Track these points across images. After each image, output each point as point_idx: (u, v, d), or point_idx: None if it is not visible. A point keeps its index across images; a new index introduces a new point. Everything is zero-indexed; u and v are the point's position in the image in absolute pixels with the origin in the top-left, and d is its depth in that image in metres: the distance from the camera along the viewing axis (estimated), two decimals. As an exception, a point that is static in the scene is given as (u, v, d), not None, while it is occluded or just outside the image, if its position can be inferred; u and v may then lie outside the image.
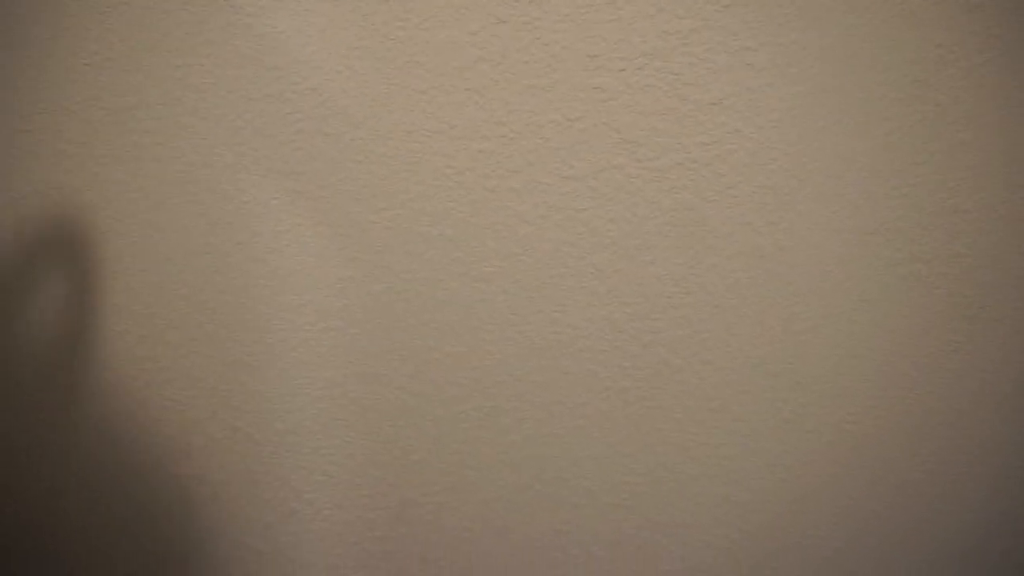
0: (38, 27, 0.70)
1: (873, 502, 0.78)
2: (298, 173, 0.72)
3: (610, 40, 0.66)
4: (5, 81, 0.72)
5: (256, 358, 0.79)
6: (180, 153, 0.73)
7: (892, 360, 0.74)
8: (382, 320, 0.77)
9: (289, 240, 0.74)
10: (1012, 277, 0.70)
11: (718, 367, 0.76)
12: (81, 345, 0.80)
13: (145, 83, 0.71)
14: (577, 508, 0.82)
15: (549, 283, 0.74)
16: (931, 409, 0.75)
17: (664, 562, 0.82)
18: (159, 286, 0.77)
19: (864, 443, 0.77)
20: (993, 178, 0.67)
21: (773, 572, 0.81)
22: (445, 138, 0.70)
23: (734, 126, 0.68)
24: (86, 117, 0.72)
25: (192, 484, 0.84)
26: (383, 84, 0.69)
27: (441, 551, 0.84)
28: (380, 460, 0.82)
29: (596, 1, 0.65)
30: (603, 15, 0.65)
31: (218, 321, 0.78)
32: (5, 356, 0.82)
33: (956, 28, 0.63)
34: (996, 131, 0.66)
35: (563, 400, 0.78)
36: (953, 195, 0.68)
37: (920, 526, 0.79)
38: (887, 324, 0.73)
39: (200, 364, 0.80)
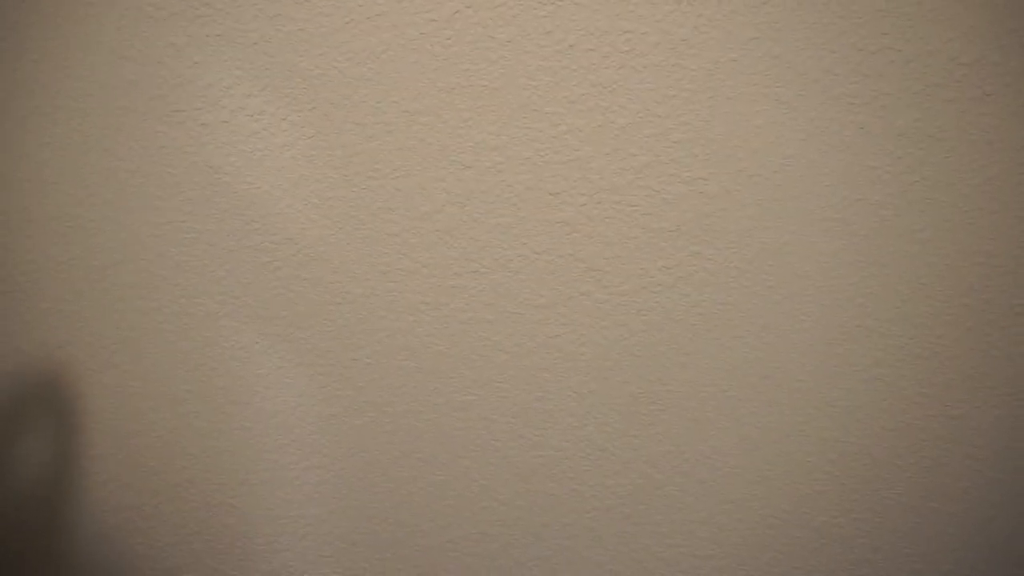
0: (19, 195, 0.68)
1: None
2: (278, 318, 0.69)
3: (570, 178, 0.66)
4: (-10, 244, 0.70)
5: (240, 500, 0.74)
6: (161, 304, 0.70)
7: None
8: (365, 454, 0.72)
9: (270, 382, 0.71)
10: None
11: (699, 479, 0.72)
12: (65, 495, 0.74)
13: (127, 240, 0.69)
14: (572, 631, 0.76)
15: (528, 408, 0.71)
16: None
17: None
18: (141, 434, 0.73)
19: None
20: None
21: None
22: (419, 276, 0.68)
23: (693, 249, 0.67)
24: (67, 276, 0.69)
25: (177, 635, 0.77)
26: (357, 230, 0.67)
27: None
28: (370, 594, 0.76)
29: (555, 143, 0.65)
30: (562, 156, 0.65)
31: (201, 465, 0.73)
32: (-14, 510, 0.76)
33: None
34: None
35: (550, 523, 0.74)
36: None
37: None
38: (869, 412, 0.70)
39: (183, 510, 0.74)
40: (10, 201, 0.69)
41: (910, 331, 0.68)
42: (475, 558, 0.74)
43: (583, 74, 0.63)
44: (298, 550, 0.75)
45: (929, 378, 0.69)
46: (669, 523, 0.73)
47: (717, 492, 0.72)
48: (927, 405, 0.69)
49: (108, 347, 0.71)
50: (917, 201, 0.65)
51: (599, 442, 0.71)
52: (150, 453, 0.73)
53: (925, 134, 0.63)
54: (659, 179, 0.65)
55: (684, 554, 0.73)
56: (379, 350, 0.70)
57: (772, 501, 0.72)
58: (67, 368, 0.72)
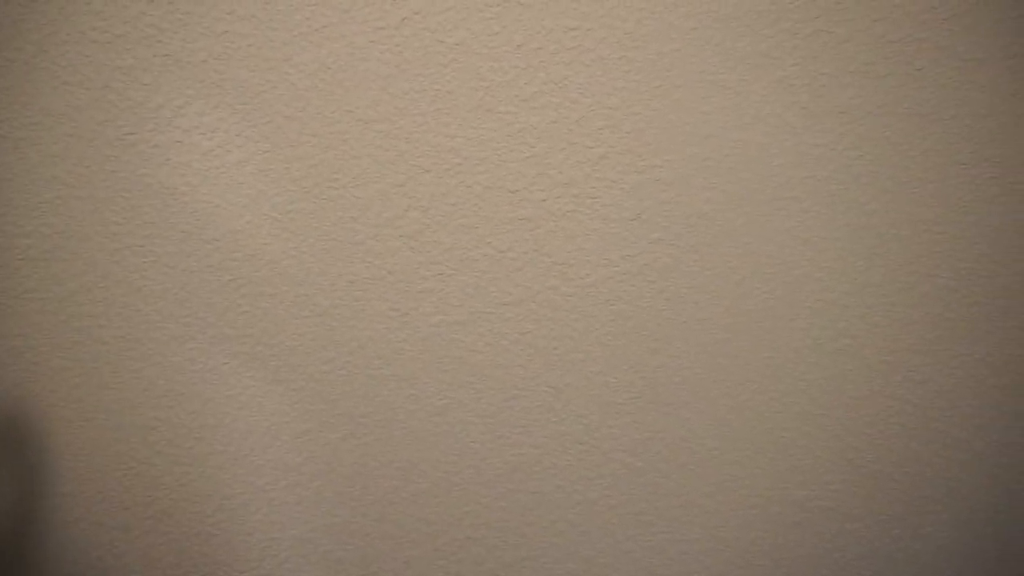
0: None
1: None
2: (245, 336, 0.67)
3: (528, 175, 0.66)
4: (-62, 284, 0.67)
5: (218, 527, 0.71)
6: (123, 332, 0.67)
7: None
8: (344, 468, 0.70)
9: (242, 403, 0.69)
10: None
11: (679, 464, 0.72)
12: (32, 539, 0.71)
13: (83, 269, 0.66)
14: (566, 629, 0.74)
15: (506, 407, 0.70)
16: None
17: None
18: (110, 468, 0.70)
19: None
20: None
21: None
22: (385, 283, 0.67)
23: (655, 236, 0.67)
24: (22, 310, 0.66)
25: (160, 675, 0.73)
26: (320, 241, 0.66)
27: None
28: (359, 612, 0.74)
29: (511, 142, 0.65)
30: (518, 154, 0.65)
31: (175, 495, 0.70)
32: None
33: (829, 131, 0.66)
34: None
35: (534, 521, 0.72)
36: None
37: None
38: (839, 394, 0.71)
39: (159, 543, 0.71)
40: (-43, 238, 0.66)
41: (868, 300, 0.69)
42: (463, 564, 0.73)
43: (533, 72, 0.63)
44: (283, 573, 0.72)
45: (891, 345, 0.70)
46: (653, 510, 0.72)
47: (697, 475, 0.72)
48: (891, 372, 0.71)
49: (69, 381, 0.68)
50: (862, 174, 0.67)
51: (577, 435, 0.71)
52: (121, 487, 0.70)
53: (863, 111, 0.65)
54: (615, 170, 0.66)
55: (670, 539, 0.73)
56: (350, 361, 0.68)
57: (752, 480, 0.72)
58: (27, 406, 0.68)
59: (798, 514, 0.73)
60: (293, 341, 0.68)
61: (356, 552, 0.72)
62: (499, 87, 0.64)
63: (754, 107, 0.65)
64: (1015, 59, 0.64)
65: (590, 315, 0.68)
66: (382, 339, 0.68)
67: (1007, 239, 0.68)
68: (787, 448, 0.72)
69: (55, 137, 0.63)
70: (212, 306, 0.67)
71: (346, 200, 0.65)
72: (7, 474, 0.69)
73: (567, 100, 0.64)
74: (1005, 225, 0.67)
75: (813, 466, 0.72)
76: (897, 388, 0.71)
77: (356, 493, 0.71)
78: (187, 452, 0.69)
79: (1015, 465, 0.72)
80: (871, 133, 0.66)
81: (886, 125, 0.66)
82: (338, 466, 0.70)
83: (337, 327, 0.67)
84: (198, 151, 0.64)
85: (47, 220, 0.65)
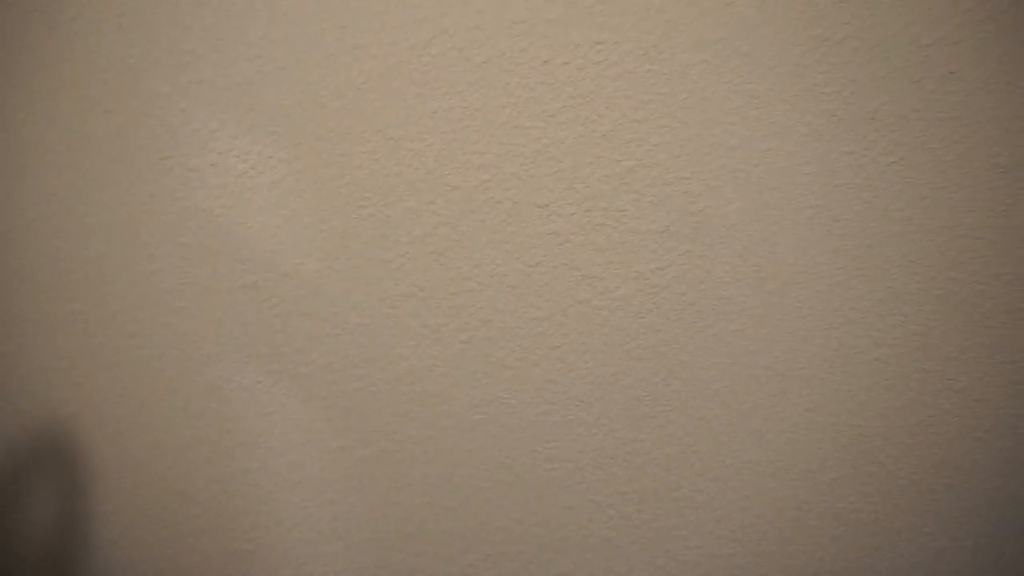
0: (12, 252, 0.67)
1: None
2: (279, 355, 0.68)
3: (556, 189, 0.66)
4: (-15, 308, 0.68)
5: (255, 543, 0.71)
6: (160, 352, 0.68)
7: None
8: (378, 484, 0.70)
9: (277, 420, 0.69)
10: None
11: (712, 478, 0.70)
12: (74, 556, 0.72)
13: (123, 291, 0.67)
14: (601, 645, 0.73)
15: (537, 422, 0.69)
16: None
17: None
18: (149, 486, 0.70)
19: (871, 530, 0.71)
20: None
21: None
22: (416, 300, 0.67)
23: (684, 248, 0.66)
24: (65, 331, 0.68)
25: None
26: (351, 260, 0.66)
27: None
28: (393, 628, 0.73)
29: (539, 157, 0.65)
30: (546, 168, 0.65)
31: (213, 512, 0.71)
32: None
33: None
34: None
35: (569, 536, 0.71)
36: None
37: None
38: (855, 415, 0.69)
39: (198, 561, 0.72)
40: (3, 260, 0.67)
41: (904, 309, 0.67)
42: (497, 580, 0.72)
43: (560, 87, 0.63)
44: (317, 589, 0.72)
45: (928, 353, 0.68)
46: (687, 525, 0.71)
47: (732, 488, 0.70)
48: (929, 381, 0.69)
49: (110, 400, 0.69)
50: (895, 181, 0.65)
51: (610, 450, 0.70)
52: (160, 505, 0.71)
53: (896, 116, 0.64)
54: (643, 182, 0.65)
55: (705, 554, 0.71)
56: (382, 378, 0.68)
57: (788, 492, 0.70)
58: (70, 425, 0.70)
59: (836, 527, 0.71)
60: (326, 359, 0.68)
61: (390, 568, 0.72)
62: (526, 103, 0.64)
63: (783, 116, 0.64)
64: (1053, 60, 0.62)
65: (620, 328, 0.68)
66: (413, 355, 0.68)
67: (1049, 244, 0.66)
68: (824, 460, 0.70)
69: (97, 163, 0.64)
70: (246, 325, 0.67)
71: (377, 218, 0.66)
72: (49, 492, 0.71)
73: (594, 114, 0.64)
74: (1046, 230, 0.65)
75: (851, 478, 0.70)
76: (935, 397, 0.69)
77: (389, 509, 0.71)
78: (223, 469, 0.70)
79: (1063, 476, 0.70)
80: (904, 139, 0.65)
81: (919, 130, 0.64)
82: (371, 482, 0.70)
83: (369, 345, 0.68)
84: (232, 173, 0.65)
85: (89, 243, 0.66)
